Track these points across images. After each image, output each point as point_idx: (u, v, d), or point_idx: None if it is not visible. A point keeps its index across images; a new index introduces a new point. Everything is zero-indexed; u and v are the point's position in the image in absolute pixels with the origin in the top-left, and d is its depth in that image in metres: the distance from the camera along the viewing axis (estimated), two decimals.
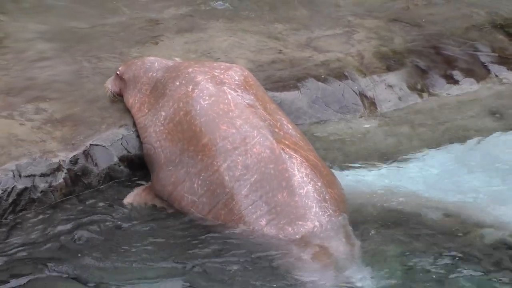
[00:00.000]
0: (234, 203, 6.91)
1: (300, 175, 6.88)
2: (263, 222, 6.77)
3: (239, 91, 7.35)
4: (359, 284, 6.31)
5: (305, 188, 6.83)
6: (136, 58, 8.10)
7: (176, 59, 8.23)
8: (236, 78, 7.46)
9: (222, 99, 7.25)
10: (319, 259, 6.57)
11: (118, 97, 8.00)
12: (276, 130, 7.14)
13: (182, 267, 6.57)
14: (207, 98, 7.26)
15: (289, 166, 6.89)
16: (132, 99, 7.79)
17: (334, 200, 6.90)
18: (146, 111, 7.58)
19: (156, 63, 7.84)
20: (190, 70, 7.51)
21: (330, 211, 6.79)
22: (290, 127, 7.29)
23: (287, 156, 6.94)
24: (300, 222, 6.71)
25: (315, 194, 6.83)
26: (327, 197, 6.86)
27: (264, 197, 6.84)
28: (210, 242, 6.78)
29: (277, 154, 6.94)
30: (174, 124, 7.33)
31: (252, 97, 7.35)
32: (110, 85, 8.04)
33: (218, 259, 6.60)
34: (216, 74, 7.44)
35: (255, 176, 6.92)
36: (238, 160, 7.02)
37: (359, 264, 6.48)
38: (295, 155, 6.98)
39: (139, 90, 7.78)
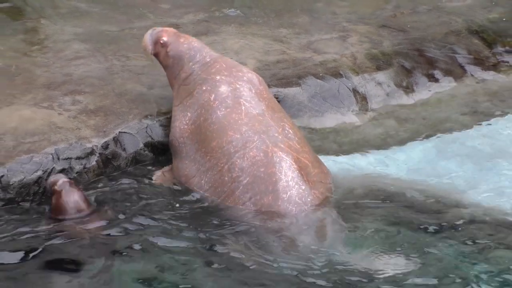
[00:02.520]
0: (229, 202, 6.90)
1: (285, 179, 6.81)
2: (250, 219, 6.76)
3: (253, 102, 7.25)
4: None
5: (288, 193, 6.78)
6: (181, 35, 7.76)
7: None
8: (253, 91, 7.33)
9: (236, 109, 7.19)
10: (288, 248, 6.56)
11: (154, 58, 7.81)
12: (276, 134, 7.04)
13: (193, 242, 6.61)
14: (223, 109, 7.20)
15: (277, 170, 6.82)
16: (172, 82, 7.69)
17: (317, 199, 6.86)
18: (178, 103, 7.53)
19: (198, 54, 7.59)
20: (218, 78, 7.39)
21: (310, 214, 6.74)
22: (291, 131, 7.15)
23: (278, 159, 6.86)
24: (281, 226, 6.67)
25: (297, 199, 6.78)
26: (309, 199, 6.81)
27: (253, 199, 6.81)
28: (217, 223, 6.83)
29: (269, 158, 6.87)
30: (195, 126, 7.30)
31: (263, 108, 7.23)
32: (150, 45, 7.75)
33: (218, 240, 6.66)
34: (238, 86, 7.32)
35: (248, 179, 6.88)
36: (236, 163, 6.96)
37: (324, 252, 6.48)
38: (287, 158, 6.88)
39: (177, 75, 7.64)
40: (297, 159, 6.95)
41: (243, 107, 7.20)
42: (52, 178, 6.90)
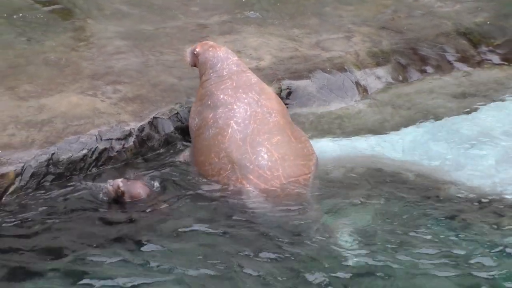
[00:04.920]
0: None
1: (251, 212, 6.52)
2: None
3: (242, 125, 6.93)
4: None
5: (254, 217, 6.48)
6: (212, 44, 7.66)
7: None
8: (248, 112, 7.01)
9: (223, 131, 6.91)
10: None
11: (193, 67, 7.73)
12: (248, 164, 6.70)
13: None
14: (214, 129, 6.98)
15: (245, 202, 6.59)
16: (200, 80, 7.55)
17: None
18: (195, 101, 7.43)
19: (219, 64, 7.36)
20: (221, 97, 7.15)
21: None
22: (266, 156, 6.75)
23: (244, 191, 6.62)
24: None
25: (262, 216, 6.49)
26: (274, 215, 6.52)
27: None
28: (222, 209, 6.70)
29: (237, 190, 6.66)
30: (197, 134, 7.17)
31: (249, 131, 6.89)
32: (188, 58, 7.64)
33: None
34: (235, 107, 7.05)
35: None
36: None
37: None
38: (253, 190, 6.63)
39: (200, 74, 7.52)
40: (265, 190, 6.65)
41: (230, 130, 6.90)
42: (110, 186, 6.62)
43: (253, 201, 6.62)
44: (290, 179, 6.78)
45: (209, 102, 7.20)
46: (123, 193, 6.59)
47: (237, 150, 6.80)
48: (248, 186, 6.66)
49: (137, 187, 6.68)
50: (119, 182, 6.62)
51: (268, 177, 6.71)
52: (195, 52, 7.57)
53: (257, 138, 6.86)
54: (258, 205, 6.59)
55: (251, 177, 6.69)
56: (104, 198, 6.69)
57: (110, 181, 6.66)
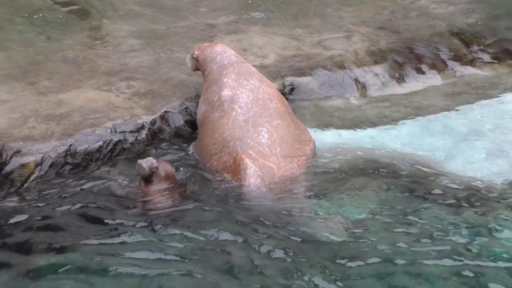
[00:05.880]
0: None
1: (248, 184, 6.55)
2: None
3: (245, 108, 6.97)
4: None
5: (251, 195, 6.52)
6: (208, 44, 7.84)
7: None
8: (251, 98, 7.07)
9: (227, 114, 6.96)
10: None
11: (196, 71, 7.82)
12: (249, 141, 6.72)
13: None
14: (219, 111, 7.02)
15: (242, 177, 6.59)
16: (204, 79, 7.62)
17: (278, 198, 6.55)
18: (202, 95, 7.48)
19: (219, 57, 7.48)
20: (225, 80, 7.21)
21: (270, 210, 6.43)
22: (266, 136, 6.78)
23: (243, 167, 6.61)
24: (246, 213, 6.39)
25: (258, 199, 6.51)
26: (269, 199, 6.54)
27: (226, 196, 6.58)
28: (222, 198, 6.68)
29: (236, 165, 6.65)
30: (203, 120, 7.20)
31: (251, 114, 6.94)
32: (190, 63, 7.75)
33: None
34: (239, 92, 7.09)
35: (220, 180, 6.71)
36: (213, 164, 6.81)
37: None
38: (252, 165, 6.62)
39: (203, 74, 7.62)
40: (263, 164, 6.67)
41: (234, 113, 6.94)
42: (145, 164, 6.56)
43: (251, 181, 6.61)
44: (286, 158, 6.81)
45: (215, 88, 7.25)
46: (157, 168, 6.58)
47: (240, 129, 6.83)
48: (247, 160, 6.66)
49: (169, 165, 6.71)
50: (152, 159, 6.62)
51: (266, 153, 6.73)
52: (194, 56, 7.68)
53: (259, 120, 6.92)
54: (256, 186, 6.61)
55: (250, 152, 6.70)
56: (137, 177, 6.72)
57: (142, 160, 6.63)
